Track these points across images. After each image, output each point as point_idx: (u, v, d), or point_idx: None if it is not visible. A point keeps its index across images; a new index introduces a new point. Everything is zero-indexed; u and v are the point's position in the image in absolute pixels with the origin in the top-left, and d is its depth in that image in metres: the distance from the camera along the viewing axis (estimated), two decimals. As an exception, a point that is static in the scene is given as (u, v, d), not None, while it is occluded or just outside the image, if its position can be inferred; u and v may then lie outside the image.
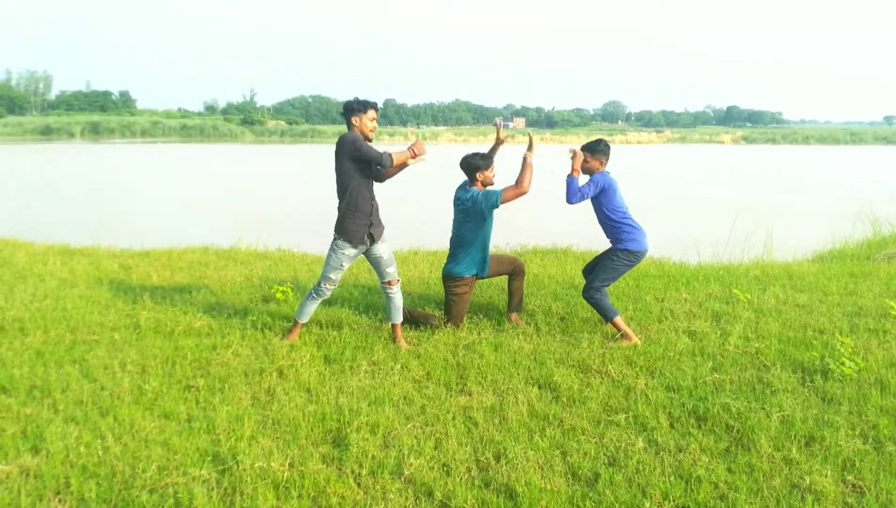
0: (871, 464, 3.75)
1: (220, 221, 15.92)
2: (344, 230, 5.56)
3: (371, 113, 5.49)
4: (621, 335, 5.86)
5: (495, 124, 6.38)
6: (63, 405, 4.42)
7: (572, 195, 5.88)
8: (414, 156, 5.63)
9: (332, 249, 5.64)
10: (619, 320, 5.90)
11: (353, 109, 5.46)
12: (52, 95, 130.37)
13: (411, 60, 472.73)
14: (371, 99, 5.56)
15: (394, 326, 5.87)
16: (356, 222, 5.55)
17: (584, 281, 6.28)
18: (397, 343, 5.74)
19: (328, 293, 5.77)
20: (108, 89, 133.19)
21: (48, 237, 11.54)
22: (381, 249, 5.73)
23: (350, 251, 5.61)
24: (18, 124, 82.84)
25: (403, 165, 5.67)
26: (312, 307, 5.81)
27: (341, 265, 5.66)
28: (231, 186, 27.38)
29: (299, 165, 41.64)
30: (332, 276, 5.67)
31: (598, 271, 6.05)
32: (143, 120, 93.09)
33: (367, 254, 5.77)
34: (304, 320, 5.83)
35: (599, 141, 6.08)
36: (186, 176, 33.30)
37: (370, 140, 5.59)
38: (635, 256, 6.01)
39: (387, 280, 5.80)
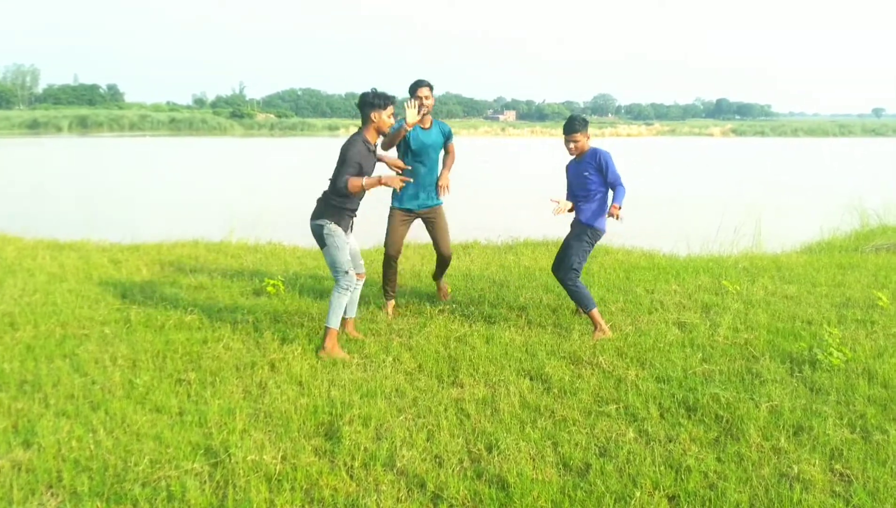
0: (859, 453, 3.79)
1: (209, 215, 15.87)
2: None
3: (390, 109, 5.48)
4: (595, 327, 5.88)
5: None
6: (54, 400, 4.41)
7: (618, 184, 5.90)
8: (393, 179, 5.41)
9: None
10: (596, 312, 5.89)
11: (374, 103, 5.37)
12: (40, 88, 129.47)
13: (402, 53, 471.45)
14: (389, 92, 5.50)
15: (348, 320, 5.86)
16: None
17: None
18: (350, 334, 5.80)
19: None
20: (96, 83, 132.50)
21: (37, 232, 11.48)
22: (351, 241, 5.67)
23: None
24: (5, 118, 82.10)
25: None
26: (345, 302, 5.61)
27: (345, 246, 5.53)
28: (221, 180, 27.29)
29: (289, 159, 41.52)
30: (348, 257, 5.55)
31: (572, 253, 5.95)
32: (131, 113, 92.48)
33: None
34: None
35: (578, 117, 6.06)
36: (175, 170, 33.16)
37: (386, 135, 5.61)
38: (599, 235, 6.05)
39: (359, 272, 5.77)
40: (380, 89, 5.44)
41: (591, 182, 5.96)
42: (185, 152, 47.42)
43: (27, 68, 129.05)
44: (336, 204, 5.42)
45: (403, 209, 6.51)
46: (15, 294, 6.88)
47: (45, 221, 13.99)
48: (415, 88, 6.33)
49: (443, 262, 6.84)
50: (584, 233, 5.97)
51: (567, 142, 6.00)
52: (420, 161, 6.45)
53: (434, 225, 6.63)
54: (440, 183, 6.54)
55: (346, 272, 5.48)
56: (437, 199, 6.59)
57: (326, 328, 5.42)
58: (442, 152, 6.66)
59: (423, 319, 6.26)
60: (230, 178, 28.46)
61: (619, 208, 5.82)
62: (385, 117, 5.41)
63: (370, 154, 5.45)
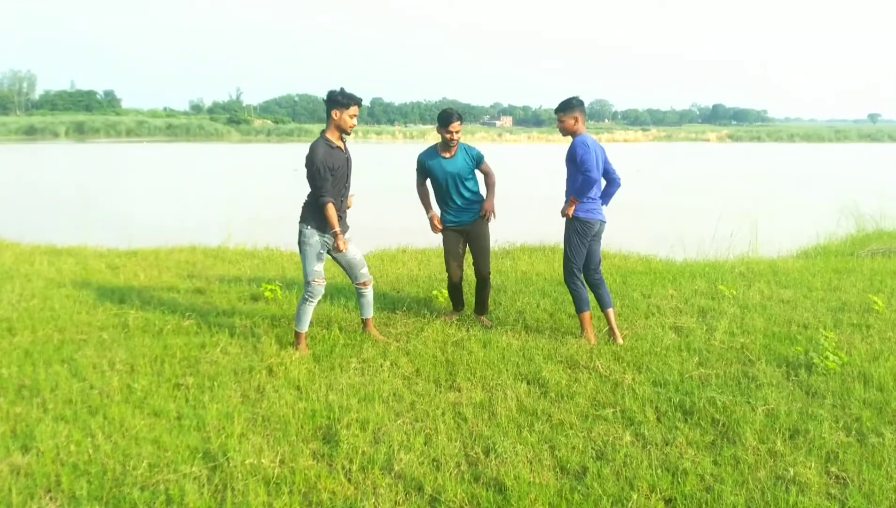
0: (855, 456, 3.81)
1: (207, 220, 15.87)
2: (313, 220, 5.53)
3: (353, 109, 5.45)
4: (582, 331, 5.87)
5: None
6: (52, 404, 4.42)
7: (587, 173, 5.61)
8: (337, 240, 5.47)
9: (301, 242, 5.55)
10: (587, 316, 5.86)
11: (337, 102, 5.42)
12: (36, 94, 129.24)
13: (399, 59, 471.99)
14: (356, 94, 5.52)
15: (366, 320, 5.97)
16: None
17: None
18: (371, 334, 5.87)
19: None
20: (93, 89, 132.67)
21: (34, 237, 11.48)
22: (351, 250, 5.72)
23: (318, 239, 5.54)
24: (2, 124, 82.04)
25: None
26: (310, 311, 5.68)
27: (320, 255, 5.57)
28: (218, 186, 27.29)
29: (286, 164, 41.48)
30: (318, 269, 5.58)
31: (566, 250, 5.91)
32: (128, 119, 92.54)
33: (335, 255, 5.70)
34: (306, 327, 5.68)
35: (571, 99, 5.80)
36: (173, 175, 33.15)
37: (349, 134, 5.58)
38: (589, 225, 5.84)
39: (361, 281, 5.86)
40: (348, 90, 5.47)
41: (568, 173, 5.89)
42: (183, 158, 47.40)
43: (24, 74, 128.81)
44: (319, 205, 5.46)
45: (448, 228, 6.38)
46: (13, 299, 6.89)
47: (43, 226, 13.99)
48: (447, 121, 6.07)
49: (481, 279, 6.50)
50: (567, 226, 5.89)
51: (557, 123, 5.93)
52: (450, 191, 6.26)
53: (475, 239, 6.42)
54: (485, 206, 6.33)
55: (309, 283, 5.54)
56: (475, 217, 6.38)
57: (295, 332, 5.63)
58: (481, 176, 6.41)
59: (420, 323, 6.27)
60: (227, 184, 28.46)
61: (576, 202, 5.66)
62: (346, 117, 5.44)
63: (335, 150, 5.46)
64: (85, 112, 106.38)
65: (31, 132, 78.56)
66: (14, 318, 6.19)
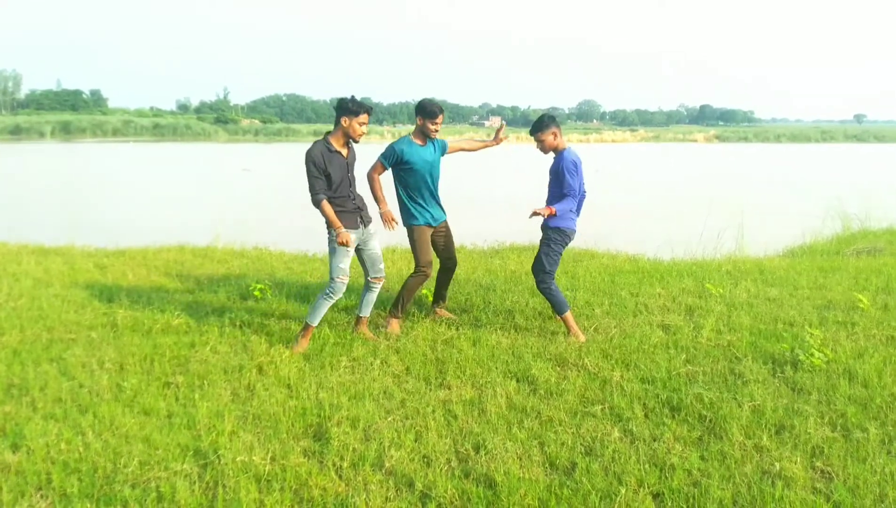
0: (840, 451, 3.86)
1: (195, 220, 15.82)
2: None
3: (363, 117, 5.50)
4: (568, 331, 5.91)
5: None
6: (42, 403, 4.41)
7: (568, 196, 5.80)
8: (339, 235, 5.51)
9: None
10: (569, 315, 5.92)
11: (348, 109, 5.47)
12: (22, 94, 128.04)
13: (387, 59, 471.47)
14: (366, 102, 5.57)
15: (362, 318, 6.00)
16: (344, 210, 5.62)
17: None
18: (362, 333, 5.91)
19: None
20: (79, 88, 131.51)
21: (21, 237, 11.41)
22: (373, 245, 5.82)
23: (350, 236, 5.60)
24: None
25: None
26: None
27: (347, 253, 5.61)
28: (206, 185, 27.20)
29: (274, 164, 41.42)
30: (343, 266, 5.61)
31: (542, 256, 5.93)
32: (114, 119, 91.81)
33: (361, 248, 5.79)
34: (317, 322, 5.72)
35: (542, 116, 5.96)
36: (160, 175, 33.00)
37: (357, 141, 5.65)
38: (567, 235, 5.97)
39: (377, 276, 5.91)
40: (359, 98, 5.55)
41: (552, 184, 5.97)
42: (170, 158, 47.19)
43: (9, 73, 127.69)
44: (335, 206, 5.53)
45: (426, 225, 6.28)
46: (0, 299, 6.85)
47: (30, 226, 13.90)
48: (435, 114, 6.09)
49: (450, 270, 6.59)
50: (547, 236, 5.97)
51: (536, 143, 6.03)
52: (427, 181, 6.22)
53: (444, 237, 6.46)
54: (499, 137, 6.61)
55: (333, 280, 5.57)
56: (444, 214, 6.44)
57: (305, 324, 5.65)
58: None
59: (410, 322, 6.30)
60: (215, 183, 28.37)
61: (550, 210, 5.70)
62: (356, 124, 5.49)
63: (334, 154, 5.51)
64: (71, 112, 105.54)
65: (16, 132, 77.84)
66: (2, 317, 6.17)
